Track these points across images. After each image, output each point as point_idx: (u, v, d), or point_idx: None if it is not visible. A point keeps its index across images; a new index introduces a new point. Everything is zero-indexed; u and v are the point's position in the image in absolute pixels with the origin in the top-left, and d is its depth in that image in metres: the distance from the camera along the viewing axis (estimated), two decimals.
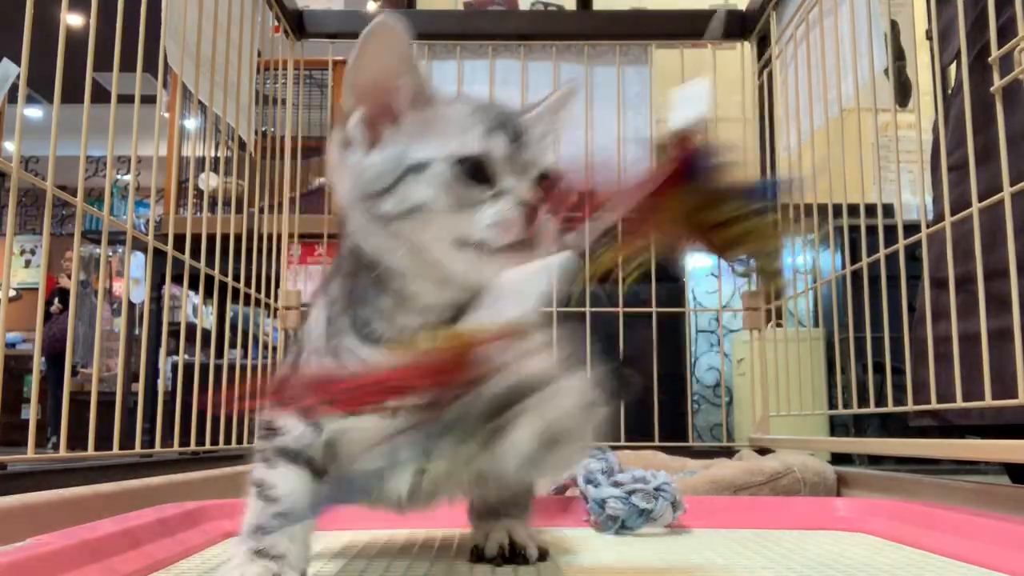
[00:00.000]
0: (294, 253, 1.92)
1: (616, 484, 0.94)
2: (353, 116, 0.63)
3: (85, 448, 1.06)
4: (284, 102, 1.95)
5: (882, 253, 1.29)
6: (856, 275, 1.41)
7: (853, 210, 1.43)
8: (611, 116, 1.90)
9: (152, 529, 0.77)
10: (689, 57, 1.93)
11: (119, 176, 6.79)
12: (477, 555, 0.74)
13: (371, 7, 2.99)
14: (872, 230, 1.37)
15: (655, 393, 1.73)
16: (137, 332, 4.36)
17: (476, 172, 0.59)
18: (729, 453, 1.69)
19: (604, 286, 1.77)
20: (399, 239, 0.60)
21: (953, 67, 1.31)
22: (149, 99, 1.24)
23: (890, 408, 1.30)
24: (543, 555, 0.74)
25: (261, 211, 1.78)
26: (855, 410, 1.45)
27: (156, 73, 1.25)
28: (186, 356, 4.15)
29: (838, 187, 1.44)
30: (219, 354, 1.60)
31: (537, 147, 0.62)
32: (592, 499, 0.94)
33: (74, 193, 1.03)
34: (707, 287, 3.19)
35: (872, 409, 1.36)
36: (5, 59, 1.16)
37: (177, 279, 2.76)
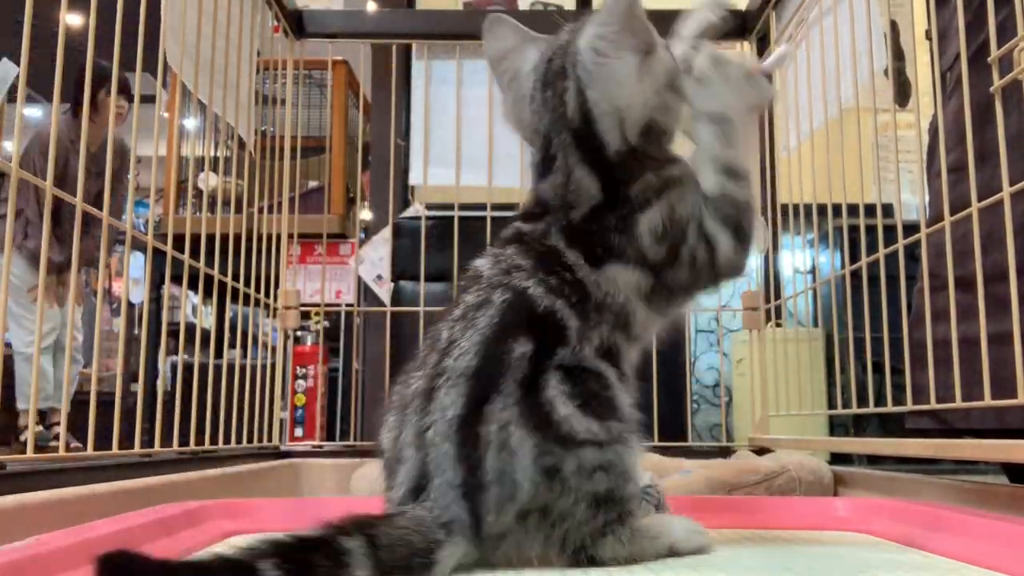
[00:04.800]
0: (293, 253, 1.91)
1: None
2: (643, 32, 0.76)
3: (84, 448, 1.06)
4: (284, 102, 1.95)
5: (881, 253, 1.29)
6: (856, 275, 1.41)
7: (853, 210, 1.43)
8: None
9: (151, 529, 0.78)
10: None
11: None
12: None
13: (371, 7, 2.99)
14: (872, 230, 1.37)
15: (654, 393, 1.73)
16: (136, 332, 4.36)
17: None
18: (728, 453, 1.69)
19: None
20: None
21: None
22: (149, 99, 1.24)
23: (889, 408, 1.30)
24: None
25: (260, 211, 1.78)
26: (854, 410, 1.45)
27: (156, 73, 1.25)
28: (185, 356, 4.15)
29: (838, 187, 1.44)
30: (218, 354, 1.60)
31: None
32: None
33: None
34: None
35: (871, 409, 1.36)
36: (5, 59, 1.16)
37: (176, 279, 2.76)
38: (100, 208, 1.06)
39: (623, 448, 0.70)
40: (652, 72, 0.76)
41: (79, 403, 3.48)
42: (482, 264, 0.76)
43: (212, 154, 2.82)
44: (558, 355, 0.70)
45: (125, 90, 3.39)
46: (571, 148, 0.76)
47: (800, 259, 2.61)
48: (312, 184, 2.92)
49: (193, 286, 2.22)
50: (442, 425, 0.68)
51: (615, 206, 0.75)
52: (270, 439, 1.71)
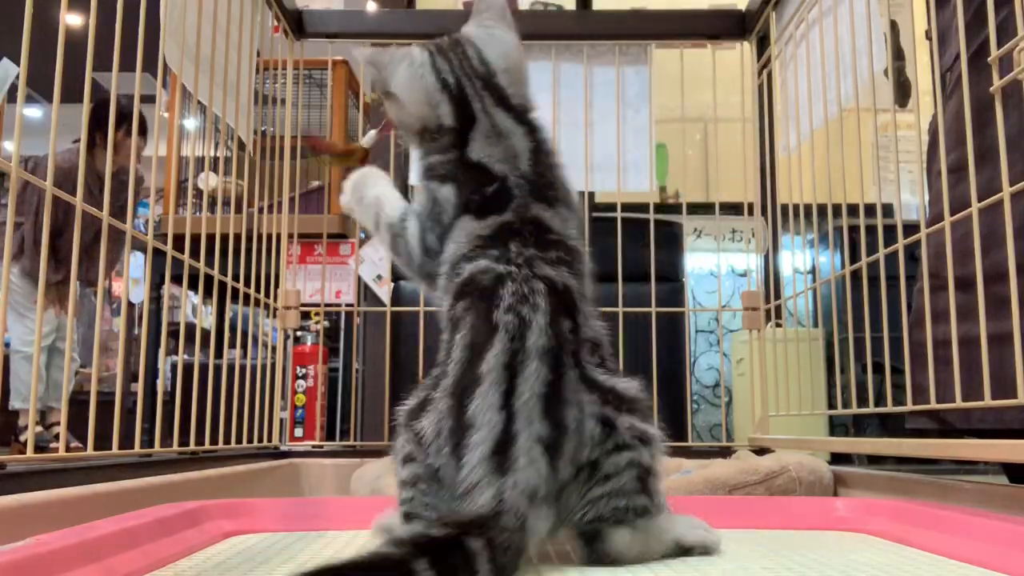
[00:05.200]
0: (293, 253, 1.91)
1: None
2: None
3: (84, 448, 1.06)
4: (284, 102, 1.95)
5: (881, 253, 1.29)
6: (856, 275, 1.41)
7: (852, 210, 1.43)
8: (610, 116, 1.90)
9: (151, 529, 0.77)
10: (689, 57, 1.93)
11: None
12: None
13: (371, 7, 2.99)
14: (872, 230, 1.37)
15: (654, 393, 1.73)
16: (136, 332, 4.36)
17: None
18: (728, 453, 1.69)
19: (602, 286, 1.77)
20: None
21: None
22: (149, 99, 1.24)
23: (889, 408, 1.30)
24: None
25: (260, 211, 1.78)
26: (854, 410, 1.45)
27: (156, 73, 1.25)
28: (185, 356, 4.16)
29: (837, 187, 1.44)
30: (218, 354, 1.60)
31: None
32: None
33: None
34: (707, 287, 3.20)
35: (871, 409, 1.36)
36: (5, 59, 1.16)
37: (176, 279, 2.76)
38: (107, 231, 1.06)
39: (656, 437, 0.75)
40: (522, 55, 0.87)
41: (78, 403, 3.48)
42: (491, 266, 0.77)
43: (212, 154, 2.82)
44: (580, 326, 0.75)
45: (143, 130, 3.48)
46: (484, 92, 0.82)
47: (800, 259, 2.61)
48: (313, 184, 2.92)
49: (193, 286, 2.21)
50: (531, 392, 0.70)
51: (541, 150, 0.82)
52: (270, 439, 1.71)
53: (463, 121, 0.82)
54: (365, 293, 2.48)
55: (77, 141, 3.43)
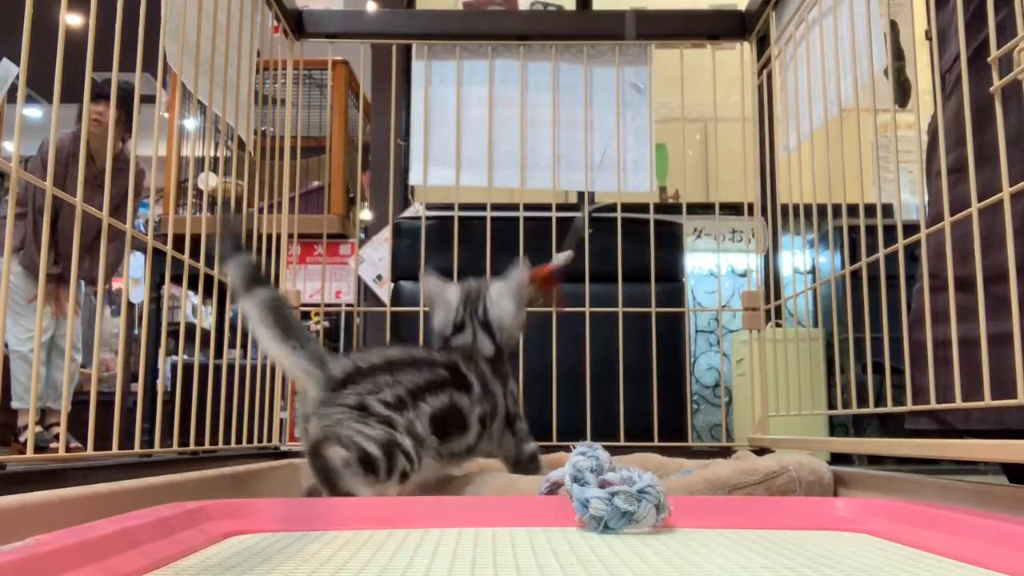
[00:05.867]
0: (293, 253, 1.91)
1: (604, 483, 0.94)
2: None
3: (84, 448, 1.06)
4: (283, 102, 1.95)
5: (881, 253, 1.29)
6: (855, 275, 1.41)
7: (852, 210, 1.43)
8: (610, 116, 1.90)
9: (151, 529, 0.77)
10: (689, 57, 1.93)
11: None
12: None
13: (371, 7, 2.99)
14: (871, 230, 1.38)
15: (654, 393, 1.73)
16: (136, 332, 4.36)
17: None
18: (728, 453, 1.69)
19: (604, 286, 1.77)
20: None
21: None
22: (149, 99, 1.24)
23: (889, 408, 1.30)
24: None
25: (260, 211, 1.78)
26: (854, 410, 1.45)
27: (156, 73, 1.25)
28: (185, 356, 4.16)
29: (837, 187, 1.44)
30: (218, 354, 1.60)
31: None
32: (577, 498, 0.94)
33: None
34: (707, 287, 3.20)
35: (871, 409, 1.36)
36: (5, 59, 1.16)
37: (176, 279, 2.77)
38: (110, 225, 1.06)
39: None
40: (522, 314, 1.31)
41: (78, 403, 3.47)
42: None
43: (212, 154, 2.82)
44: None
45: (103, 96, 3.41)
46: (479, 326, 1.27)
47: (800, 259, 2.61)
48: (313, 184, 2.92)
49: (193, 286, 2.21)
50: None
51: (499, 359, 1.28)
52: (270, 439, 1.71)
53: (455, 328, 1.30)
54: (365, 293, 2.49)
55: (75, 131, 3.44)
